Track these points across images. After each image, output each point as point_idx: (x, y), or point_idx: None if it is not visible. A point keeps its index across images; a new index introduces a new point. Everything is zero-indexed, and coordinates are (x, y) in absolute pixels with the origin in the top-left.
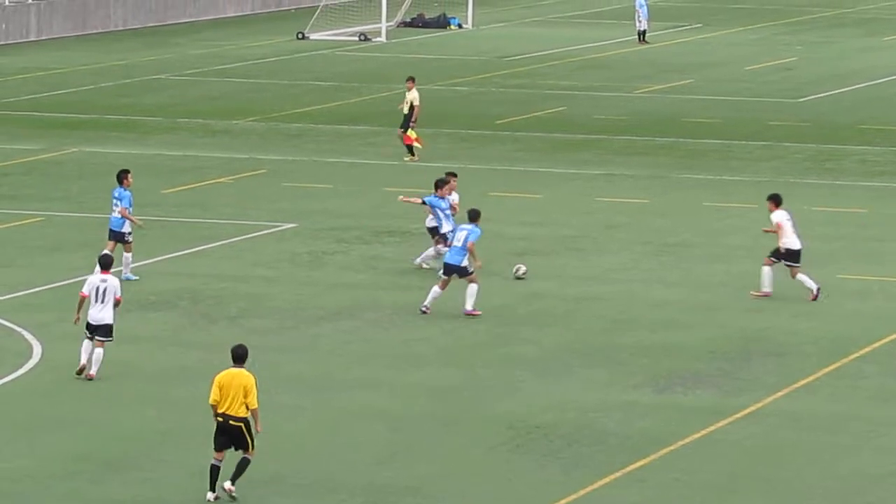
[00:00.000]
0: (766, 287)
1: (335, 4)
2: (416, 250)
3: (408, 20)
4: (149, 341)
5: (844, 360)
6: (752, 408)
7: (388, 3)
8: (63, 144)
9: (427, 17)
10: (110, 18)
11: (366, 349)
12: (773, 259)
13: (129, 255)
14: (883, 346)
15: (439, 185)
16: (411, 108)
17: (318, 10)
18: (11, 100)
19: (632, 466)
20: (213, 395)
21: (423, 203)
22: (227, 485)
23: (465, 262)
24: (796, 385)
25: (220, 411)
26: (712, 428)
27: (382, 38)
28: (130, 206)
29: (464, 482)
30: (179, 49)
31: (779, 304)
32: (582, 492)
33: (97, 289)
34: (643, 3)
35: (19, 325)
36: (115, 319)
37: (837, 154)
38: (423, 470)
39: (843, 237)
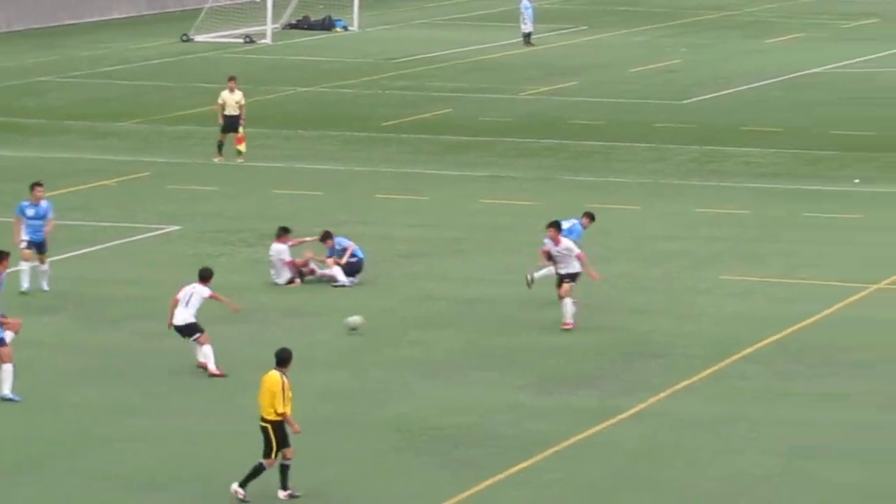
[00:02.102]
0: (569, 318)
1: (220, 7)
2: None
3: (293, 22)
4: (35, 345)
5: (727, 362)
6: (636, 409)
7: (273, 5)
8: None
9: (313, 19)
10: None
11: (252, 352)
12: (570, 284)
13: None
14: (765, 348)
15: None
16: (240, 108)
17: (203, 13)
18: None
19: (517, 467)
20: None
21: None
22: (235, 486)
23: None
24: (679, 386)
25: (259, 413)
26: (596, 429)
27: (268, 41)
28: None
29: (352, 485)
30: (65, 51)
31: (661, 305)
32: (467, 493)
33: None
34: (528, 5)
35: None
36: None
37: (720, 156)
38: (314, 473)
39: (726, 238)
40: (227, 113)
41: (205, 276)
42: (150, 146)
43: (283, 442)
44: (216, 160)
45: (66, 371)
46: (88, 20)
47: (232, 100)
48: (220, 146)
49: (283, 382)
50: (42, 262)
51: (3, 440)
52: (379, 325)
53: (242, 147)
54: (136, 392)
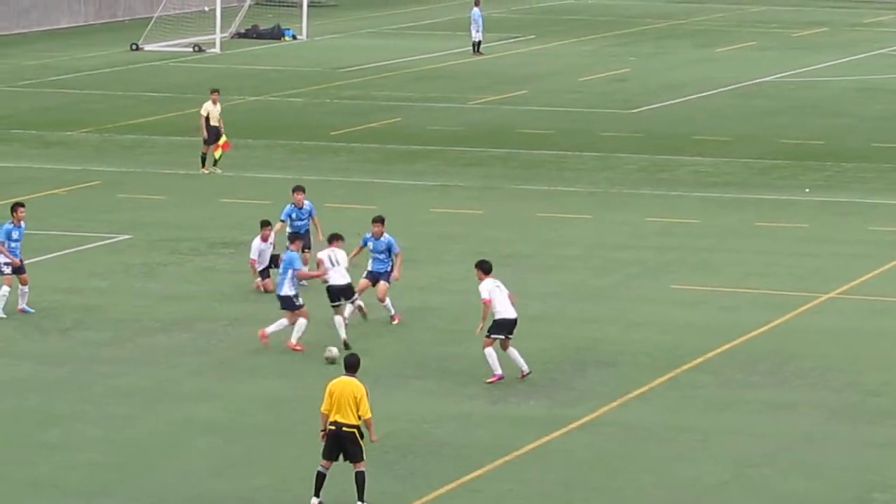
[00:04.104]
0: (497, 370)
1: (169, 16)
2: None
3: (242, 31)
4: None
5: (678, 371)
6: (586, 418)
7: (222, 15)
8: None
9: (262, 28)
10: None
11: (200, 361)
12: (492, 337)
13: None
14: (716, 357)
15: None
16: (219, 120)
17: (153, 22)
18: None
19: (466, 477)
20: (325, 404)
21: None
22: None
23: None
24: (630, 395)
25: (332, 419)
26: (546, 438)
27: (217, 50)
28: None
29: (297, 494)
30: (12, 60)
31: (611, 314)
32: (416, 503)
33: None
34: (478, 14)
35: None
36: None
37: (671, 165)
38: (257, 481)
39: (676, 248)
40: (212, 124)
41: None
42: (100, 155)
43: None
44: (203, 171)
45: (4, 379)
46: (35, 29)
47: (216, 112)
48: (203, 158)
49: (365, 388)
50: (24, 282)
51: None
52: (323, 334)
53: (219, 154)
54: (76, 400)
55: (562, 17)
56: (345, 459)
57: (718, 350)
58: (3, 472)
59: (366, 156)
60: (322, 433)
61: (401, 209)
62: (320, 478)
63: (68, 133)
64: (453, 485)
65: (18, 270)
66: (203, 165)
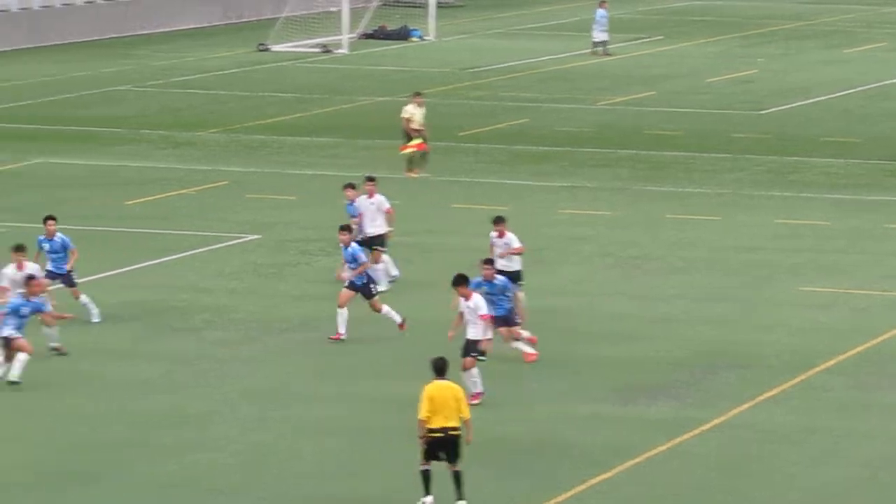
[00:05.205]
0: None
1: (296, 16)
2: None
3: (370, 32)
4: (111, 353)
5: (809, 373)
6: (717, 420)
7: (349, 15)
8: (24, 156)
9: (389, 28)
10: (70, 31)
11: (327, 361)
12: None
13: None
14: (848, 359)
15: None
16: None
17: (280, 22)
18: None
19: (594, 479)
20: (426, 410)
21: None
22: None
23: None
24: (761, 397)
25: (437, 425)
26: (677, 440)
27: (344, 50)
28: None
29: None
30: (140, 61)
31: (740, 316)
32: None
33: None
34: (603, 15)
35: None
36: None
37: (801, 166)
38: (384, 482)
39: (806, 249)
40: (413, 127)
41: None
42: (228, 155)
43: None
44: (410, 175)
45: (136, 380)
46: (161, 30)
47: (419, 114)
48: (410, 161)
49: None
50: (77, 296)
51: (68, 447)
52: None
53: (409, 151)
54: (207, 401)
55: (689, 18)
56: (446, 461)
57: (851, 352)
58: (135, 473)
59: (493, 157)
60: (422, 439)
61: (528, 210)
62: (427, 475)
63: (196, 133)
64: (581, 487)
65: (68, 282)
66: (409, 169)
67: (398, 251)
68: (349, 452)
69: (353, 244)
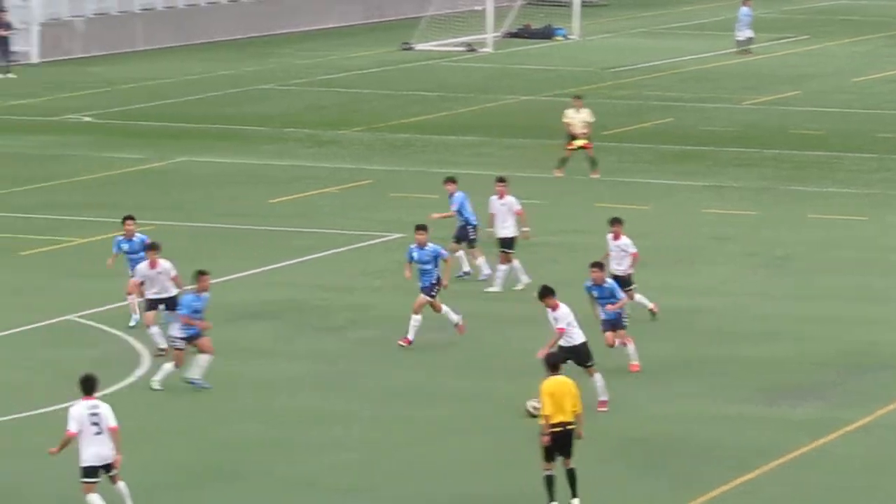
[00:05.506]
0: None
1: (440, 15)
2: (527, 259)
3: (514, 31)
4: (254, 352)
5: None
6: (863, 421)
7: (494, 14)
8: (169, 154)
9: (533, 27)
10: (215, 29)
11: (468, 359)
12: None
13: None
14: None
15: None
16: (587, 126)
17: (424, 21)
18: (118, 109)
19: (739, 479)
20: (549, 407)
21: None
22: (577, 502)
23: None
24: None
25: (556, 420)
26: (822, 441)
27: (489, 49)
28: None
29: (564, 494)
30: (284, 59)
31: (888, 317)
32: None
33: None
34: (747, 13)
35: (128, 334)
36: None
37: None
38: (517, 482)
39: None
40: (574, 131)
41: None
42: (371, 154)
43: None
44: (557, 174)
45: (277, 379)
46: (303, 29)
47: (578, 118)
48: (563, 161)
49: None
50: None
51: (217, 444)
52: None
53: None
54: (348, 400)
55: (835, 18)
56: (562, 457)
57: None
58: (275, 471)
59: (638, 156)
60: (546, 437)
61: (673, 210)
62: (550, 480)
63: (340, 132)
64: (726, 487)
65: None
66: (559, 168)
67: (544, 250)
68: (494, 451)
69: (431, 244)
